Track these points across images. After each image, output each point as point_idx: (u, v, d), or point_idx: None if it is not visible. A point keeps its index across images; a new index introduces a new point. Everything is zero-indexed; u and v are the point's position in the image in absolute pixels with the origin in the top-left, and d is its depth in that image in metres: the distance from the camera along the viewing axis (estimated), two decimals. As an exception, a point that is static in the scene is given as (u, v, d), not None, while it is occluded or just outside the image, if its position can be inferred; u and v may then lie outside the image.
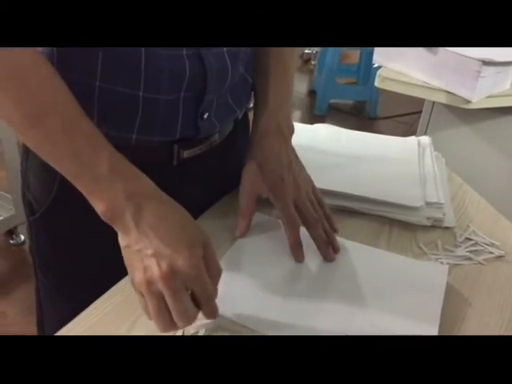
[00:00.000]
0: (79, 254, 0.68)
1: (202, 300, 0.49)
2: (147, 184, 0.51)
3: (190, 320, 0.48)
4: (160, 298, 0.47)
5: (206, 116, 0.64)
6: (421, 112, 1.41)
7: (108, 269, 0.56)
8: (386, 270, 0.62)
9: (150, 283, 0.47)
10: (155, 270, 0.47)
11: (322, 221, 0.65)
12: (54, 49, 0.56)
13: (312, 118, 3.15)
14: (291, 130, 0.70)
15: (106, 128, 0.58)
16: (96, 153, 0.50)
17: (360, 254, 0.64)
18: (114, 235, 0.50)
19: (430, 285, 0.59)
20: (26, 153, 0.67)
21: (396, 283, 0.60)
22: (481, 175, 1.15)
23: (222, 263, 0.53)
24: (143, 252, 0.48)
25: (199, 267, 0.48)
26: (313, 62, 3.73)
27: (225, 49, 0.62)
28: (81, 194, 0.51)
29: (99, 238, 0.57)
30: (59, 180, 0.63)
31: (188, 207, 0.52)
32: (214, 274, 0.51)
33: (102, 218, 0.50)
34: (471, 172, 0.95)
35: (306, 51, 3.83)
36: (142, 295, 0.48)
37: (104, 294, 0.57)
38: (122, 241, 0.49)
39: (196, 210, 0.62)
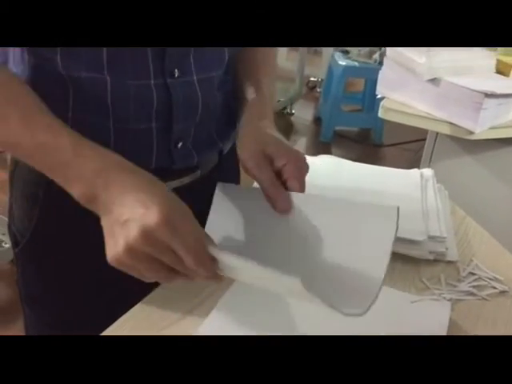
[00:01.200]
0: (64, 285, 0.67)
1: (182, 254, 0.47)
2: (112, 159, 0.51)
3: (192, 265, 0.47)
4: (147, 260, 0.47)
5: (180, 145, 0.64)
6: (425, 139, 1.42)
7: (95, 300, 0.56)
8: (388, 308, 0.62)
9: (128, 251, 0.46)
10: (129, 235, 0.46)
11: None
12: (30, 82, 0.57)
13: (317, 145, 3.17)
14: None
15: None
16: (56, 141, 0.50)
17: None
18: (99, 265, 0.50)
19: (432, 322, 0.59)
20: (11, 181, 0.68)
21: (398, 323, 0.59)
22: (483, 206, 1.15)
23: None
24: (116, 223, 0.47)
25: (174, 225, 0.46)
26: (318, 90, 3.77)
27: (195, 77, 0.62)
28: (63, 223, 0.52)
29: (83, 268, 0.58)
30: (39, 209, 0.64)
31: None
32: (194, 238, 0.48)
33: (81, 203, 0.50)
34: (474, 203, 0.95)
35: (312, 79, 3.87)
36: (130, 267, 0.48)
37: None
38: (102, 222, 0.49)
39: None
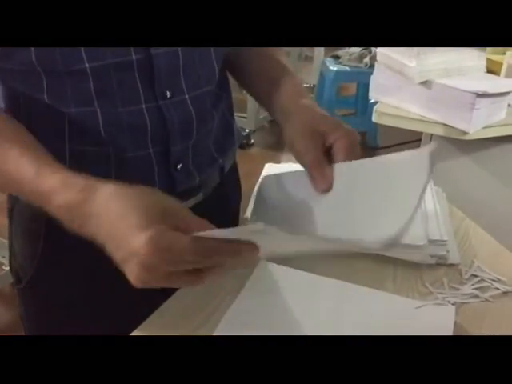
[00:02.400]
0: (67, 323, 0.67)
1: (193, 259, 0.43)
2: (78, 189, 0.47)
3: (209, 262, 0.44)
4: (164, 279, 0.44)
5: (180, 167, 0.63)
6: (421, 140, 1.43)
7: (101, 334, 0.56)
8: (392, 315, 0.62)
9: (142, 283, 0.44)
10: (132, 273, 0.44)
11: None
12: (25, 120, 0.57)
13: (313, 150, 3.17)
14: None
15: None
16: (39, 187, 0.49)
17: (364, 298, 0.64)
18: (105, 300, 0.49)
19: (437, 328, 0.59)
20: (10, 218, 0.67)
21: (403, 330, 0.59)
22: (481, 206, 1.16)
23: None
24: (117, 258, 0.45)
25: (167, 245, 0.42)
26: (311, 95, 3.78)
27: (187, 96, 0.61)
28: (66, 259, 0.51)
29: (86, 305, 0.57)
30: (42, 248, 0.63)
31: None
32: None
33: (76, 231, 0.48)
34: (472, 203, 0.95)
35: (305, 85, 3.88)
36: (156, 284, 0.45)
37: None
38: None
39: None
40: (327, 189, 0.56)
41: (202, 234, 0.43)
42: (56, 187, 0.47)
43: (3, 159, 0.50)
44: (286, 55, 0.71)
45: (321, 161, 0.56)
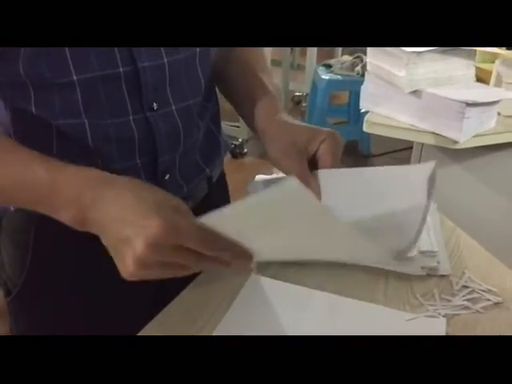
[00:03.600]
0: (60, 331, 0.65)
1: (196, 246, 0.45)
2: (92, 177, 0.50)
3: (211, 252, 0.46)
4: (162, 266, 0.46)
5: (167, 177, 0.63)
6: (412, 147, 1.43)
7: None
8: (383, 328, 0.61)
9: (140, 265, 0.45)
10: (135, 251, 0.44)
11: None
12: (11, 128, 0.57)
13: (306, 159, 3.18)
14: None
15: None
16: (33, 176, 0.50)
17: (354, 310, 0.64)
18: (95, 308, 0.50)
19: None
20: None
21: None
22: (472, 215, 1.16)
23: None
24: (119, 242, 0.46)
25: (176, 227, 0.45)
26: (304, 104, 3.79)
27: (174, 107, 0.62)
28: (55, 269, 0.51)
29: (76, 317, 0.57)
30: (30, 259, 0.63)
31: None
32: (194, 237, 0.46)
33: (76, 228, 0.49)
34: (462, 212, 0.95)
35: (297, 94, 3.89)
36: (147, 275, 0.46)
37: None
38: (103, 242, 0.48)
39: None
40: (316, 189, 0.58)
41: (205, 219, 0.45)
42: (69, 174, 0.49)
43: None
44: (268, 71, 0.72)
45: (306, 172, 0.58)
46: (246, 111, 0.67)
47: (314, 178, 0.59)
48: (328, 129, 0.61)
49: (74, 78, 0.54)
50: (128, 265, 0.45)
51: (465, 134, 1.15)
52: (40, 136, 0.57)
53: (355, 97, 3.18)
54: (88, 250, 0.56)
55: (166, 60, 0.59)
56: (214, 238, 0.45)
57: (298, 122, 0.63)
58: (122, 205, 0.46)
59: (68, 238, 0.58)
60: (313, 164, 0.60)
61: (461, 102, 1.11)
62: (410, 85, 1.18)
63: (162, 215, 0.44)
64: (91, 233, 0.55)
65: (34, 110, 0.55)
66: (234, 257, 0.47)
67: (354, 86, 2.86)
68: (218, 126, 0.73)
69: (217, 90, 0.74)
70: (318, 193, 0.58)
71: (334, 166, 0.60)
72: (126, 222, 0.45)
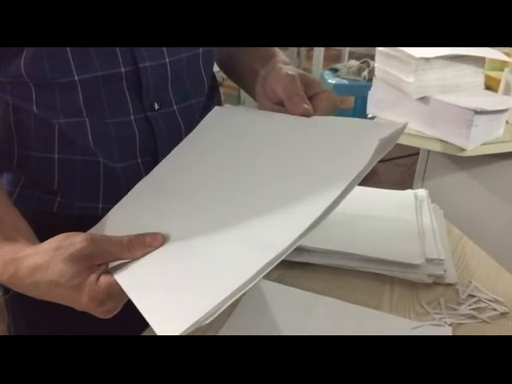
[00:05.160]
0: (56, 332, 0.66)
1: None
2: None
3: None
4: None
5: None
6: (418, 154, 1.42)
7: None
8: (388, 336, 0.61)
9: (98, 305, 0.46)
10: (85, 304, 0.46)
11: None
12: (13, 127, 0.57)
13: (311, 163, 3.17)
14: None
15: (71, 199, 0.58)
16: None
17: (359, 317, 0.63)
18: (93, 315, 0.49)
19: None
20: None
21: None
22: (479, 223, 1.15)
23: None
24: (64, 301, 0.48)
25: (92, 256, 0.44)
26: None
27: (175, 107, 0.61)
28: None
29: (76, 316, 0.56)
30: None
31: None
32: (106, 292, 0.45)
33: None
34: (469, 220, 0.95)
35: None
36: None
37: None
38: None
39: None
40: (309, 111, 0.52)
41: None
42: None
43: None
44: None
45: (298, 93, 0.53)
46: (248, 76, 0.65)
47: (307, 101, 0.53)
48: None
49: (76, 77, 0.53)
50: (95, 311, 0.45)
51: (472, 142, 1.14)
52: (41, 135, 0.57)
53: (361, 102, 3.18)
54: None
55: (168, 60, 0.59)
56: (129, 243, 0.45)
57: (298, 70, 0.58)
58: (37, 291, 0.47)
59: None
60: None
61: (469, 109, 1.10)
62: (418, 91, 1.18)
63: (76, 263, 0.44)
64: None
65: (35, 108, 0.55)
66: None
67: (360, 91, 2.86)
68: None
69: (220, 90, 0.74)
70: (308, 109, 0.52)
71: (329, 95, 0.55)
72: (58, 288, 0.45)
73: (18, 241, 0.47)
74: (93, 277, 0.44)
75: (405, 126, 0.48)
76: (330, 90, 0.56)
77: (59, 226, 0.60)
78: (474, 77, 1.23)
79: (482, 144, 1.18)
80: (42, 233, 0.56)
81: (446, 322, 0.64)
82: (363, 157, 0.44)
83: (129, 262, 0.45)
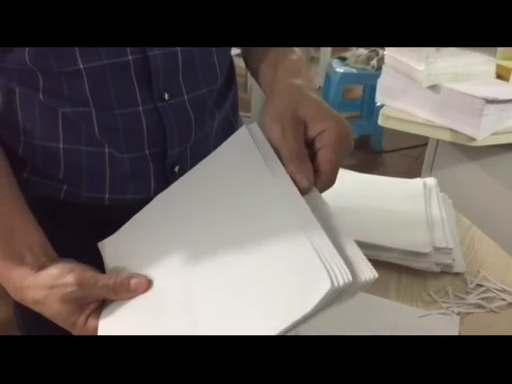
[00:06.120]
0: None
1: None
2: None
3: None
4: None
5: (177, 169, 0.60)
6: (426, 144, 1.41)
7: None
8: (395, 324, 0.60)
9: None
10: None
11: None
12: (20, 117, 0.56)
13: (317, 152, 3.16)
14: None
15: (77, 189, 0.57)
16: None
17: (366, 305, 0.63)
18: None
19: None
20: None
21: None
22: (488, 214, 1.14)
23: None
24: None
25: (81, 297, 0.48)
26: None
27: (186, 97, 0.59)
28: (57, 251, 0.52)
29: None
30: None
31: None
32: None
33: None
34: (478, 211, 0.94)
35: (310, 86, 3.87)
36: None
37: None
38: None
39: None
40: (308, 188, 0.46)
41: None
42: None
43: None
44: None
45: (302, 152, 0.47)
46: (261, 73, 0.61)
47: (309, 163, 0.47)
48: (339, 116, 0.49)
49: (81, 66, 0.52)
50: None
51: (483, 132, 1.12)
52: (47, 123, 0.56)
53: (369, 91, 3.16)
54: (94, 244, 0.56)
55: (179, 47, 0.56)
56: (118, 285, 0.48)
57: (310, 92, 0.51)
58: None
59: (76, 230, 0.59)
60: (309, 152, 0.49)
61: (480, 98, 1.09)
62: (428, 79, 1.16)
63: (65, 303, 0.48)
64: (98, 225, 0.55)
65: (41, 96, 0.54)
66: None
67: (368, 80, 2.84)
68: (236, 115, 0.70)
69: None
70: (305, 183, 0.46)
71: (333, 166, 0.48)
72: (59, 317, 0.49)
73: (25, 260, 0.50)
74: (81, 318, 0.48)
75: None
76: (340, 125, 0.48)
77: (67, 214, 0.60)
78: (485, 65, 1.21)
79: (492, 134, 1.16)
80: (51, 220, 0.55)
81: (453, 311, 0.63)
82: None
83: (120, 304, 0.48)
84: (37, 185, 0.58)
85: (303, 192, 0.46)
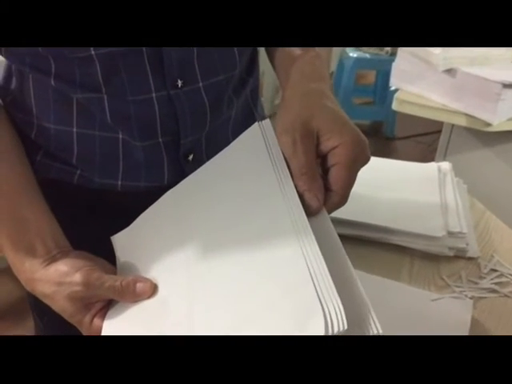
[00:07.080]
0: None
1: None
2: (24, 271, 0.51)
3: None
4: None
5: (191, 157, 0.59)
6: (439, 132, 1.39)
7: None
8: (408, 307, 0.60)
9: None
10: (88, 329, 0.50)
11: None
12: (33, 101, 0.56)
13: (329, 138, 3.14)
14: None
15: (90, 174, 0.57)
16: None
17: (379, 287, 0.63)
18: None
19: (453, 322, 0.57)
20: None
21: (418, 322, 0.57)
22: (503, 200, 1.13)
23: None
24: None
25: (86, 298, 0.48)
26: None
27: (201, 84, 0.57)
28: (68, 237, 0.53)
29: None
30: None
31: None
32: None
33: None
34: (492, 197, 0.93)
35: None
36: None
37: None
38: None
39: None
40: (317, 209, 0.43)
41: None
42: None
43: None
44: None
45: (312, 167, 0.44)
46: (282, 73, 0.59)
47: (320, 180, 0.44)
48: (354, 129, 0.46)
49: (92, 52, 0.51)
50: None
51: (499, 117, 1.11)
52: (60, 108, 0.55)
53: (383, 76, 3.12)
54: (107, 230, 0.56)
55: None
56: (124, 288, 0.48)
57: (326, 101, 0.48)
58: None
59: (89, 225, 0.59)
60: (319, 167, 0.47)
61: (497, 82, 1.07)
62: (444, 63, 1.14)
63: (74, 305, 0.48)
64: (110, 218, 0.56)
65: (53, 82, 0.53)
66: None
67: (382, 65, 2.80)
68: (256, 101, 0.68)
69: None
70: (315, 203, 0.43)
71: (346, 186, 0.45)
72: (66, 312, 0.49)
73: (37, 252, 0.50)
74: (88, 317, 0.49)
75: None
76: (356, 142, 0.45)
77: (80, 199, 0.59)
78: (502, 49, 1.19)
79: (508, 119, 1.14)
80: (64, 205, 0.55)
81: (466, 296, 0.63)
82: None
83: (126, 307, 0.48)
84: (50, 168, 0.58)
85: (311, 213, 0.43)
